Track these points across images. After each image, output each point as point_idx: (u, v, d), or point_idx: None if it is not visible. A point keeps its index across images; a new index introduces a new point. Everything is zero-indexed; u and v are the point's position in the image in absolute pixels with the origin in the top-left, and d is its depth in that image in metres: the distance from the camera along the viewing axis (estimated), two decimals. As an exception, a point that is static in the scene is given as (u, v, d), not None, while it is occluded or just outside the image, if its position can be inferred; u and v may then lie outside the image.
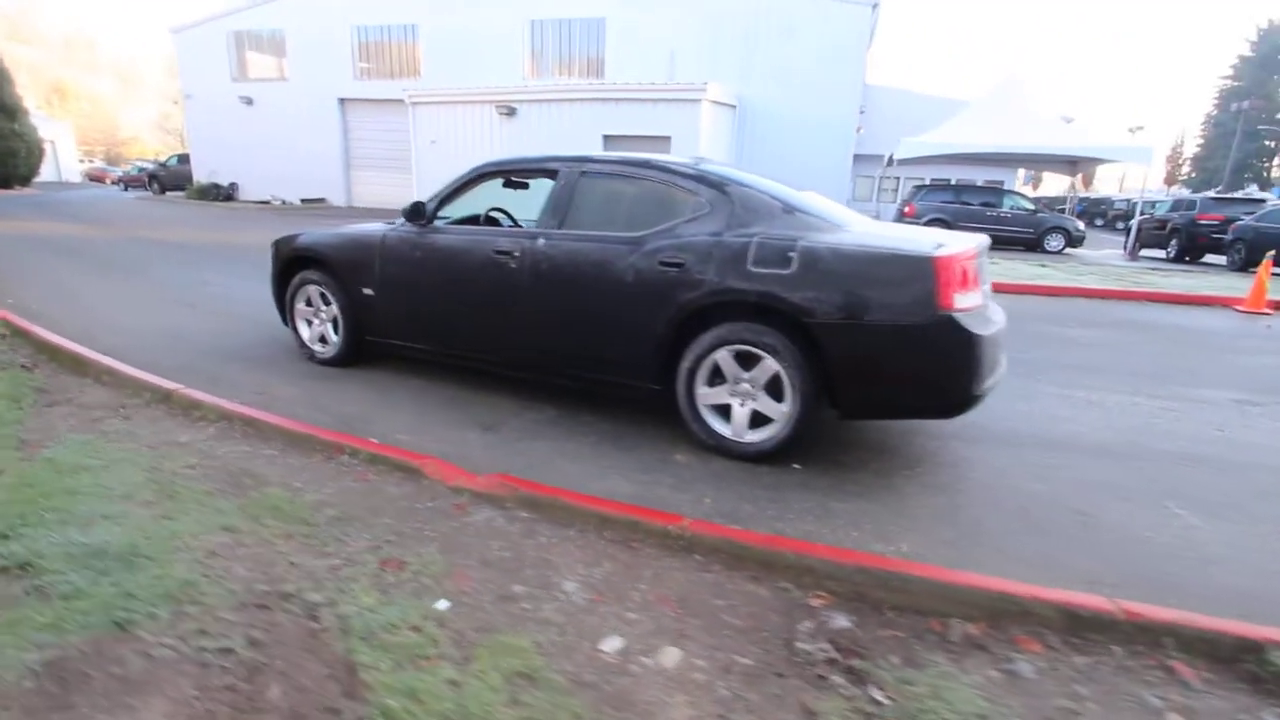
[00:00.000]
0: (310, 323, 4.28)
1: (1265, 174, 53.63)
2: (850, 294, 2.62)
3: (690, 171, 3.10)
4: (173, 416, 3.12)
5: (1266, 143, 53.95)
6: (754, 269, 2.76)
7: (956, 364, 2.57)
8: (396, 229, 3.77)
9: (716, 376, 2.98)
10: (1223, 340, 6.29)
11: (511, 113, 15.37)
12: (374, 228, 3.95)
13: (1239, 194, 20.94)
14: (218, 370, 4.03)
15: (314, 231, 4.22)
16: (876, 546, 2.22)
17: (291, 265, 4.24)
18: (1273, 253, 8.54)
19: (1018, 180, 29.32)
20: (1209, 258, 15.78)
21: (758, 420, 2.94)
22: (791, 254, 2.72)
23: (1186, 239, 16.18)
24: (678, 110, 14.01)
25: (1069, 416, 3.85)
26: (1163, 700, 1.56)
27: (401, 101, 17.19)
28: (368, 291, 3.87)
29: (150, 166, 28.59)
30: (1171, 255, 16.15)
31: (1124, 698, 1.56)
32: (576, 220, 3.28)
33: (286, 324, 4.40)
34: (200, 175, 22.63)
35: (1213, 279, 10.90)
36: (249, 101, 21.53)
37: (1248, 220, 13.95)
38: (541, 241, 3.26)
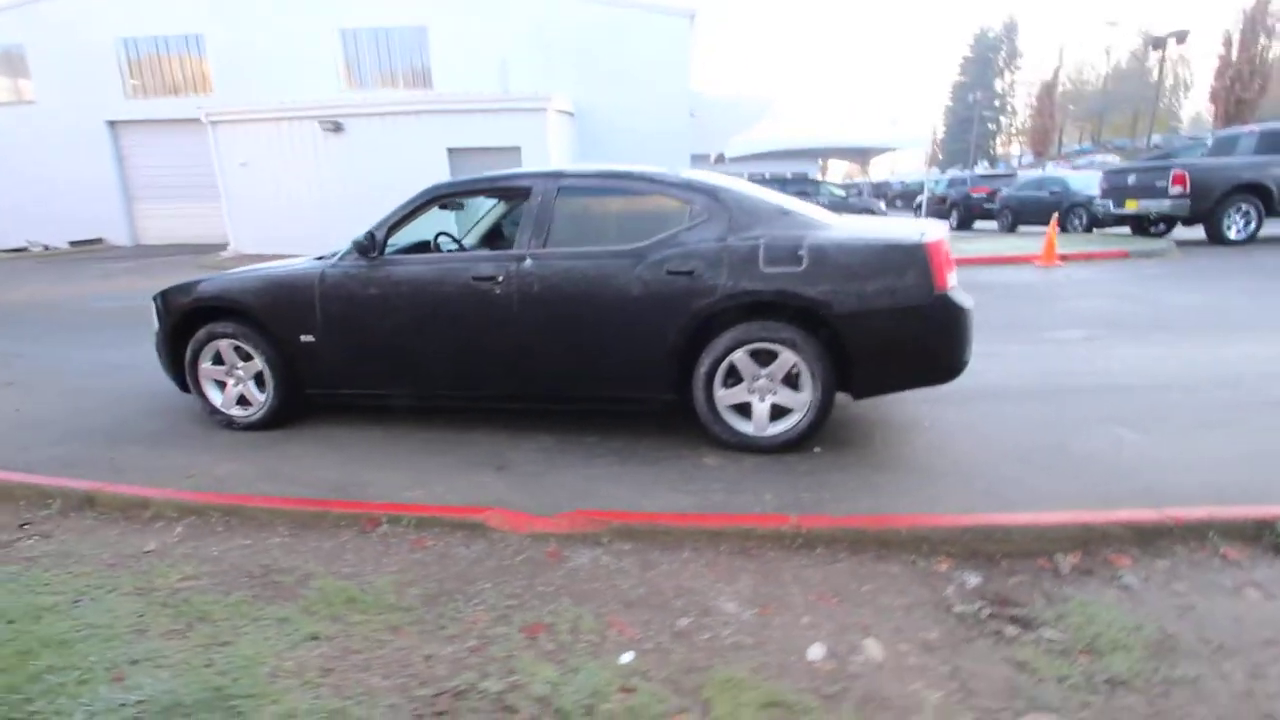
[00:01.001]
0: (223, 384, 3.66)
1: (991, 151, 65.41)
2: (860, 284, 2.82)
3: (679, 180, 3.12)
4: (111, 523, 2.51)
5: (990, 126, 65.45)
6: (766, 269, 2.86)
7: (954, 336, 2.89)
8: (338, 265, 3.34)
9: (730, 377, 3.05)
10: (1040, 290, 7.60)
11: (338, 128, 14.10)
12: (302, 266, 3.46)
13: (997, 170, 25.21)
14: (110, 456, 3.30)
15: (218, 278, 3.60)
16: (939, 507, 2.43)
17: (190, 319, 3.58)
18: (1056, 215, 10.52)
19: (821, 171, 32.88)
20: (980, 224, 18.85)
21: (775, 413, 3.06)
22: (801, 252, 2.86)
23: (964, 210, 19.27)
24: (524, 120, 13.80)
25: (982, 369, 4.43)
26: (1232, 580, 1.91)
27: (194, 121, 15.02)
28: (307, 339, 3.39)
29: None
30: (954, 225, 19.04)
31: (1209, 586, 1.89)
32: (560, 237, 3.15)
33: (187, 389, 3.71)
34: (-87, 224, 17.99)
35: (998, 242, 13.04)
36: (-23, 129, 17.54)
37: (1009, 190, 16.93)
38: (529, 263, 3.09)
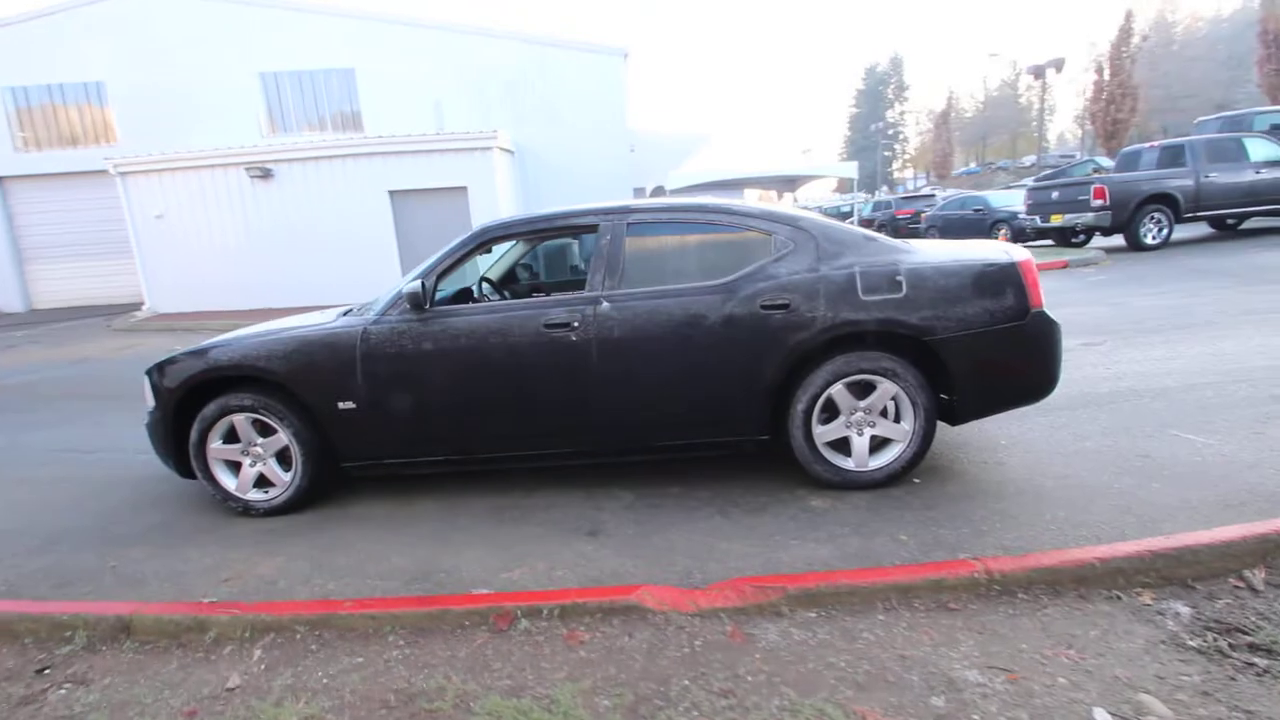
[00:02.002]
0: (237, 465, 3.18)
1: (890, 176, 70.10)
2: (961, 307, 2.76)
3: (757, 211, 2.99)
4: (162, 655, 2.04)
5: (885, 154, 70.18)
6: (866, 298, 2.76)
7: (1051, 352, 2.87)
8: (383, 320, 2.99)
9: (824, 411, 2.90)
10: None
11: (267, 174, 13.28)
12: (333, 324, 3.07)
13: (915, 192, 26.84)
14: (111, 564, 2.77)
15: (231, 342, 3.15)
16: (1083, 533, 2.35)
17: (198, 393, 3.11)
18: (1004, 230, 11.24)
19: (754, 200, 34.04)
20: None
21: (872, 446, 2.93)
22: (899, 278, 2.77)
23: (892, 230, 20.33)
24: (469, 159, 13.46)
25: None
26: None
27: (96, 173, 13.80)
28: (346, 406, 2.99)
29: None
30: (887, 245, 19.94)
31: None
32: (634, 277, 2.94)
33: (190, 474, 3.20)
34: None
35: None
36: None
37: (934, 210, 17.98)
38: (606, 305, 2.86)
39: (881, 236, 2.99)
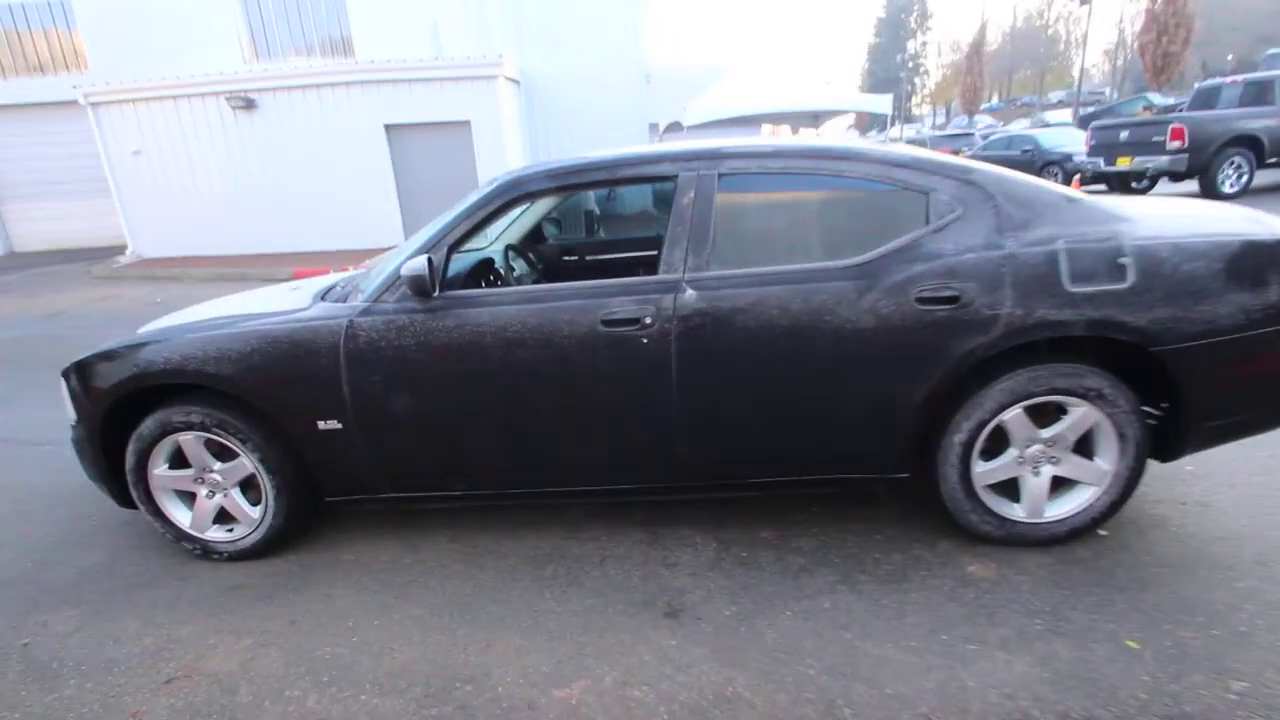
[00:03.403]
0: (192, 496, 2.41)
1: (908, 111, 66.99)
2: (1210, 304, 1.90)
3: (906, 158, 2.09)
4: None
5: (906, 88, 66.91)
6: (1074, 289, 1.90)
7: (1321, 365, 2.03)
8: (374, 310, 2.14)
9: (988, 441, 2.10)
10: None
11: (250, 105, 12.06)
12: (311, 313, 2.23)
13: (949, 129, 25.26)
14: (24, 642, 2.05)
15: (168, 334, 2.30)
16: None
17: (130, 402, 2.31)
18: (1078, 176, 10.24)
19: (766, 135, 32.17)
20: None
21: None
22: (1123, 260, 1.91)
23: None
24: (472, 89, 12.20)
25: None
26: None
27: (70, 104, 12.59)
28: (328, 425, 2.19)
29: None
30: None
31: None
32: (728, 252, 2.07)
33: (130, 504, 2.44)
34: None
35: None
36: None
37: (976, 151, 16.65)
38: (690, 294, 2.01)
39: (1085, 196, 2.10)
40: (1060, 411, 2.05)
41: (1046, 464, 2.11)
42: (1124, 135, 10.93)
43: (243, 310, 2.43)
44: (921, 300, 1.94)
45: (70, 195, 15.14)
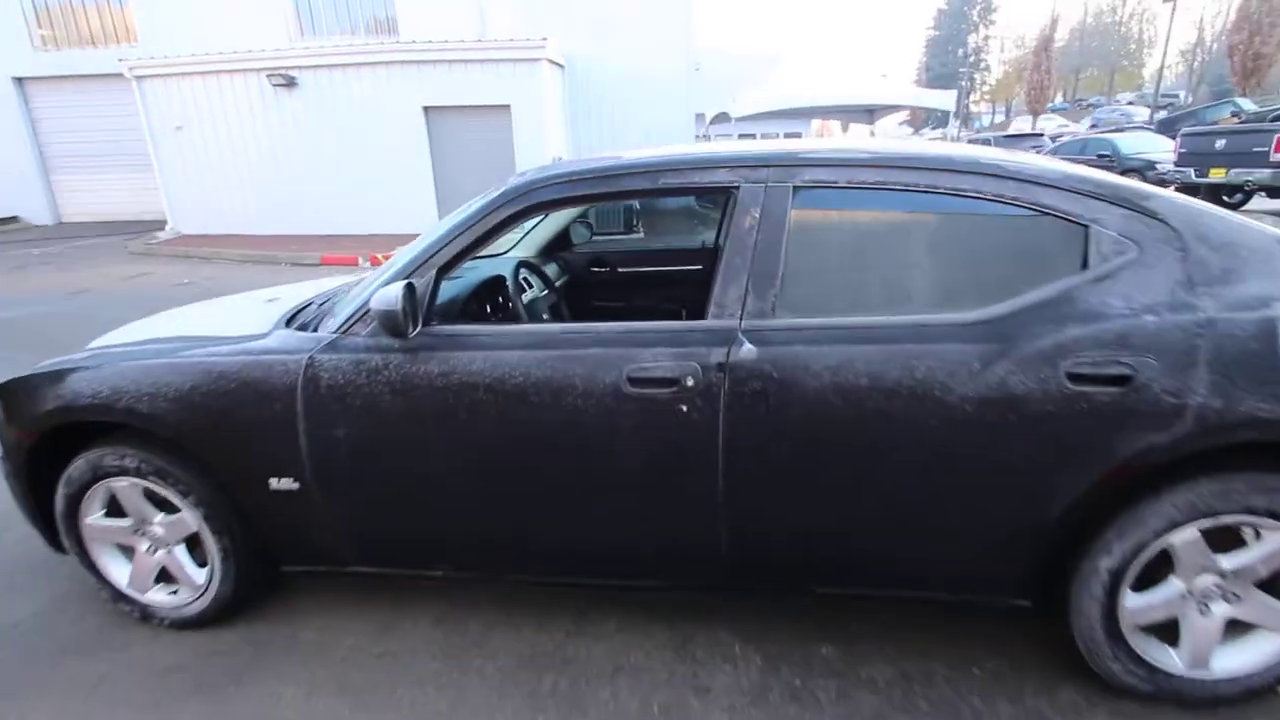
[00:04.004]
0: (131, 550, 2.01)
1: (966, 109, 64.40)
2: None
3: (1054, 174, 1.53)
4: None
5: (962, 83, 64.41)
6: (1304, 375, 1.33)
7: None
8: (340, 345, 1.69)
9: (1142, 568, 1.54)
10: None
11: (291, 83, 11.86)
12: (265, 344, 1.78)
13: (1015, 131, 23.93)
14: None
15: (101, 359, 1.88)
16: None
17: (56, 441, 1.91)
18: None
19: (814, 131, 31.10)
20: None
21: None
22: (1376, 336, 1.33)
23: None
24: (514, 72, 11.76)
25: None
26: None
27: (117, 77, 12.58)
28: (282, 484, 1.75)
29: None
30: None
31: None
32: (801, 294, 1.55)
33: (62, 549, 2.05)
34: None
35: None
36: None
37: (1045, 155, 15.57)
38: (748, 349, 1.50)
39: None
40: (1237, 537, 1.48)
41: (1220, 601, 1.55)
42: (1220, 144, 9.90)
43: (199, 330, 2.01)
44: (1076, 378, 1.38)
45: (117, 169, 15.26)
